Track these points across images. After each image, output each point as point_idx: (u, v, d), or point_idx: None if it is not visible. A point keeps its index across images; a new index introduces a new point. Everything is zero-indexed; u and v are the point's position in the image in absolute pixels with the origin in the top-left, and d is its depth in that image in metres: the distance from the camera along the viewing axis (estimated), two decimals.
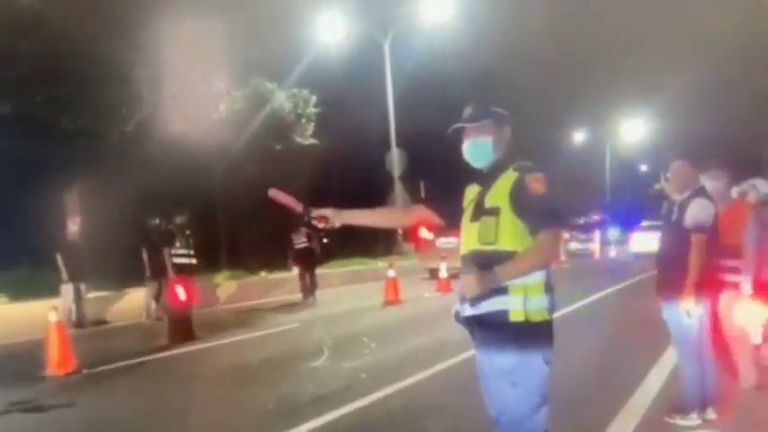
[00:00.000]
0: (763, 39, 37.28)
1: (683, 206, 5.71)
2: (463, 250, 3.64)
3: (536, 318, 3.42)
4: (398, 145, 27.94)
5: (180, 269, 12.14)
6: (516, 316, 3.41)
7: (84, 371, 9.38)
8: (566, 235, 38.89)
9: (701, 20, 39.59)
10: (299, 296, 18.30)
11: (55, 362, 9.32)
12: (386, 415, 6.74)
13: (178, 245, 12.22)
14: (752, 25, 35.80)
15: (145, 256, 14.74)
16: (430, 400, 7.15)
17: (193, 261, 12.46)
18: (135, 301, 15.89)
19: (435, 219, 3.99)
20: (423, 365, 8.57)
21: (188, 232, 12.45)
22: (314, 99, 28.12)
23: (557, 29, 42.19)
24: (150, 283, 14.76)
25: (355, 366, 8.95)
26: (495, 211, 3.48)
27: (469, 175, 3.78)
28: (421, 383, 7.90)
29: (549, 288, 3.48)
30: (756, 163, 33.16)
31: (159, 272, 13.16)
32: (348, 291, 21.00)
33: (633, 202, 51.84)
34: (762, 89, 39.09)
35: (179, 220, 12.47)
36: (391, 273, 16.90)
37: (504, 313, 3.42)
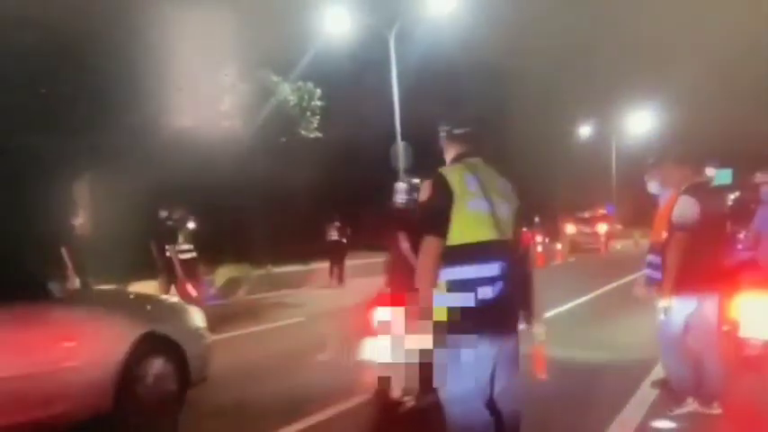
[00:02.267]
0: None
1: (673, 203, 5.82)
2: None
3: (438, 316, 3.69)
4: (404, 138, 27.91)
5: (184, 265, 12.20)
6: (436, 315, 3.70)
7: None
8: (572, 229, 38.90)
9: (713, 12, 39.52)
10: (302, 290, 18.43)
11: None
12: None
13: (181, 240, 12.28)
14: (763, 18, 35.73)
15: (154, 250, 14.63)
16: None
17: (194, 255, 12.54)
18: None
19: None
20: None
21: (189, 227, 12.52)
22: (319, 92, 28.17)
23: (563, 20, 42.14)
24: (162, 276, 14.63)
25: (359, 361, 8.98)
26: None
27: None
28: None
29: (454, 286, 3.74)
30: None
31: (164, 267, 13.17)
32: (354, 285, 20.97)
33: (639, 195, 51.62)
34: None
35: (177, 215, 12.52)
36: None
37: None
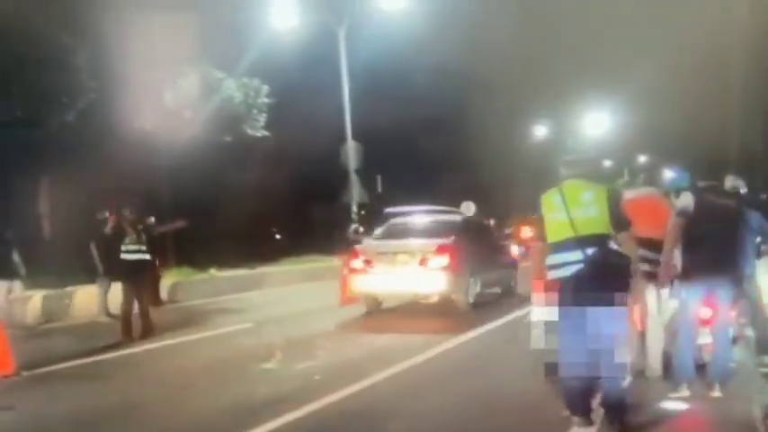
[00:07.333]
0: (733, 34, 37.92)
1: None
2: None
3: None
4: (354, 138, 27.87)
5: (130, 266, 12.05)
6: None
7: (24, 373, 9.23)
8: (528, 232, 39.15)
9: (672, 13, 40.14)
10: (248, 294, 18.34)
11: None
12: (341, 416, 6.81)
13: (128, 240, 12.08)
14: (723, 20, 36.40)
15: (95, 252, 14.45)
16: (387, 402, 7.23)
17: (146, 257, 12.33)
18: (79, 299, 15.56)
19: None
20: (380, 366, 8.62)
21: (140, 226, 12.34)
22: (266, 89, 27.89)
23: (519, 19, 42.47)
24: (101, 280, 14.48)
25: (309, 367, 8.99)
26: None
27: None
28: (377, 385, 7.97)
29: (549, 269, 5.66)
30: (724, 159, 33.74)
31: (109, 268, 13.05)
32: (303, 289, 20.92)
33: None
34: (731, 84, 39.74)
35: (127, 213, 12.34)
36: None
37: None
